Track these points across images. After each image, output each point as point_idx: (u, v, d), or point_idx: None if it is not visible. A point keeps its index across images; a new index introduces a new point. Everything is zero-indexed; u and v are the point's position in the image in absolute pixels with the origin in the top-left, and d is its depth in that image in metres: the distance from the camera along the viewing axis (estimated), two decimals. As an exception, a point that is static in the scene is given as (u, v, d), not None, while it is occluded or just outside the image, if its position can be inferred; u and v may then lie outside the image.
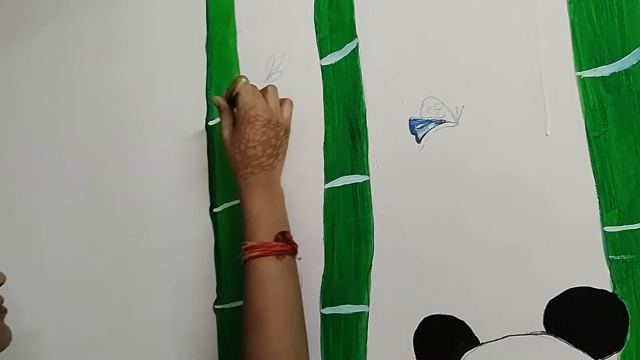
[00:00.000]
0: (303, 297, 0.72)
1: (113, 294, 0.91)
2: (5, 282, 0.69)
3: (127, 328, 0.89)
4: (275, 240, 0.69)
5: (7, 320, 0.70)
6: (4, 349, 0.65)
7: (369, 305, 0.69)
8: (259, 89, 0.75)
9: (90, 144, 0.98)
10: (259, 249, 0.69)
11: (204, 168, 0.86)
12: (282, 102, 0.76)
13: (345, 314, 0.71)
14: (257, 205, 0.71)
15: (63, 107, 1.03)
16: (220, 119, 0.76)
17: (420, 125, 0.68)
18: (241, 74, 0.75)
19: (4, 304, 0.69)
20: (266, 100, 0.73)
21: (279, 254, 0.69)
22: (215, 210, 0.84)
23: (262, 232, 0.70)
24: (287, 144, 0.75)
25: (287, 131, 0.75)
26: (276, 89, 0.75)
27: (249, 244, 0.70)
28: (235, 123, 0.73)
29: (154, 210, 0.89)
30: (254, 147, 0.71)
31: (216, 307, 0.82)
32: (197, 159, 0.87)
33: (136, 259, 0.89)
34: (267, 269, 0.69)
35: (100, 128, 0.98)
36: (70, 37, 1.04)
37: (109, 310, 0.91)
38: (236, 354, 0.78)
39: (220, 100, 0.75)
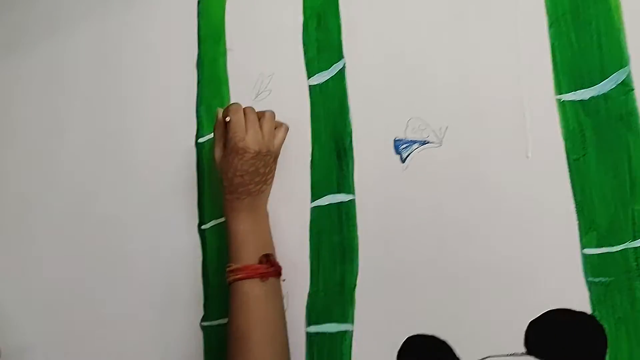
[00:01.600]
0: (288, 316, 0.72)
1: (101, 308, 0.91)
2: None
3: (114, 343, 0.89)
4: (259, 263, 0.70)
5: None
6: None
7: (353, 324, 0.70)
8: (257, 112, 0.74)
9: (82, 159, 0.99)
10: (243, 272, 0.70)
11: (193, 185, 0.86)
12: (277, 126, 0.76)
13: (329, 333, 0.71)
14: (241, 228, 0.72)
15: (58, 122, 1.04)
16: (214, 136, 0.76)
17: (404, 146, 0.69)
18: (234, 102, 0.75)
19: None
20: (260, 126, 0.73)
21: (262, 276, 0.69)
22: (203, 227, 0.84)
23: (246, 255, 0.71)
24: (275, 168, 0.76)
25: (276, 157, 0.75)
26: (273, 115, 0.75)
27: (234, 266, 0.70)
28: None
29: (142, 225, 0.89)
30: (242, 176, 0.72)
31: (203, 324, 0.82)
32: (186, 175, 0.87)
33: (124, 273, 0.89)
34: (251, 291, 0.69)
35: (91, 143, 0.99)
36: (66, 53, 1.05)
37: (96, 325, 0.91)
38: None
39: (220, 115, 0.75)
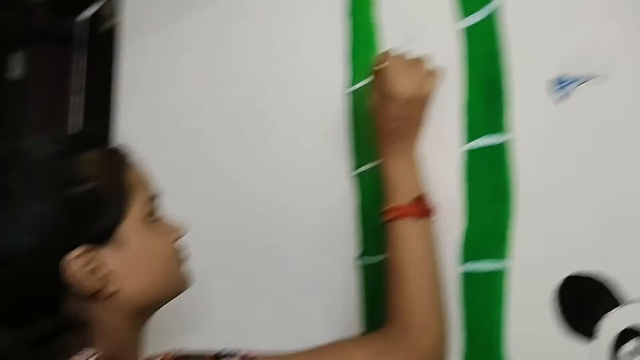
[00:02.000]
0: (442, 256, 0.75)
1: (266, 251, 1.00)
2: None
3: (277, 279, 0.97)
4: (413, 203, 0.73)
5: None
6: (184, 291, 0.75)
7: (508, 263, 0.71)
8: (410, 58, 0.76)
9: (242, 111, 1.07)
10: (397, 212, 0.73)
11: (346, 132, 0.91)
12: (430, 70, 0.77)
13: (484, 271, 0.73)
14: (395, 171, 0.75)
15: (219, 76, 1.13)
16: (369, 83, 0.78)
17: (563, 84, 0.67)
18: (387, 49, 0.77)
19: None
20: (415, 71, 0.74)
21: (416, 216, 0.72)
22: (357, 171, 0.88)
23: (400, 196, 0.74)
24: (427, 112, 0.77)
25: (429, 102, 0.77)
26: (426, 60, 0.76)
27: (388, 207, 0.74)
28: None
29: (300, 170, 0.96)
30: (396, 121, 0.74)
31: (359, 261, 0.87)
32: (339, 123, 0.92)
33: (286, 216, 0.97)
34: (406, 230, 0.72)
35: (245, 98, 1.06)
36: (227, 14, 1.13)
37: (262, 266, 0.99)
38: (378, 305, 0.83)
39: (375, 63, 0.77)
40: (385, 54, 0.75)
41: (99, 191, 0.63)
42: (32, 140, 0.67)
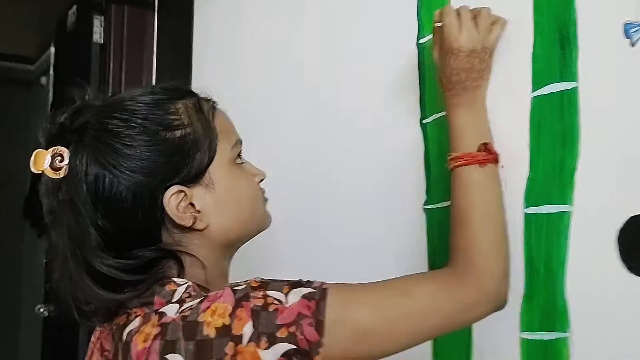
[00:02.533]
0: (507, 199, 0.78)
1: (339, 195, 1.05)
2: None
3: (349, 225, 1.03)
4: (477, 151, 0.76)
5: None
6: (265, 228, 0.81)
7: (572, 206, 0.73)
8: (472, 9, 0.78)
9: (317, 63, 1.12)
10: (462, 159, 0.76)
11: (415, 83, 0.94)
12: (494, 21, 0.79)
13: (548, 213, 0.76)
14: (460, 121, 0.78)
15: (299, 35, 1.18)
16: (433, 37, 0.82)
17: (636, 29, 0.68)
18: (448, 5, 0.79)
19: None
20: (476, 24, 0.76)
21: (481, 163, 0.75)
22: (425, 121, 0.92)
23: (465, 144, 0.77)
24: (491, 63, 0.79)
25: (492, 53, 0.79)
26: (487, 12, 0.78)
27: (454, 154, 0.77)
28: None
29: (370, 121, 1.00)
30: (458, 74, 0.77)
31: (425, 207, 0.91)
32: (408, 75, 0.95)
33: (356, 165, 1.02)
34: (470, 175, 0.76)
35: (319, 48, 1.11)
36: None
37: (336, 209, 1.05)
38: (443, 247, 0.87)
39: (436, 18, 0.80)
40: (444, 10, 0.77)
41: (191, 136, 0.70)
42: (134, 90, 0.74)
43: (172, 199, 0.68)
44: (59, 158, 0.68)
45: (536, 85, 0.78)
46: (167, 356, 0.62)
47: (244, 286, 0.65)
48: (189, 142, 0.70)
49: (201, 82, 1.49)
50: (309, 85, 1.12)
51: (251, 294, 0.63)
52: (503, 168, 0.79)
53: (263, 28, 1.27)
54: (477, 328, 0.83)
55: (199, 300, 0.64)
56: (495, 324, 0.79)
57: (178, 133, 0.70)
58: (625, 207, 0.68)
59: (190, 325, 0.62)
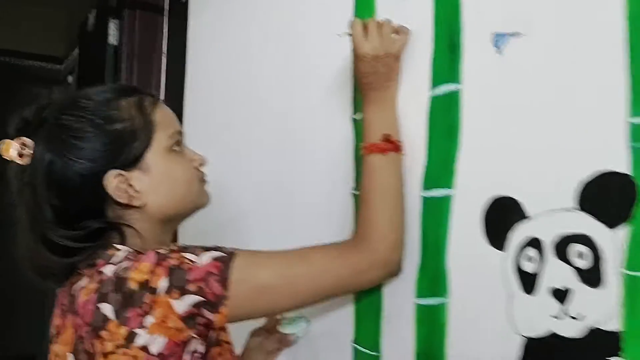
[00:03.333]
0: (409, 184, 0.91)
1: (280, 182, 1.19)
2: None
3: (289, 207, 1.17)
4: (381, 141, 0.89)
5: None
6: (203, 207, 0.96)
7: (454, 189, 0.86)
8: (374, 23, 0.89)
9: (262, 66, 1.26)
10: (368, 149, 0.90)
11: (347, 83, 1.07)
12: (398, 30, 0.91)
13: (437, 197, 0.88)
14: (369, 116, 0.92)
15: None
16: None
17: (502, 39, 0.80)
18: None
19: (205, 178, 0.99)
20: (380, 33, 0.88)
21: (382, 151, 0.88)
22: (354, 117, 1.05)
23: (371, 136, 0.90)
24: (397, 67, 0.91)
25: (397, 58, 0.90)
26: (389, 23, 0.89)
27: (362, 145, 0.91)
28: None
29: (307, 117, 1.14)
30: (366, 77, 0.90)
31: (354, 192, 1.04)
32: (342, 75, 1.08)
33: (295, 154, 1.16)
34: (373, 162, 0.89)
35: (266, 49, 1.25)
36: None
37: (277, 194, 1.20)
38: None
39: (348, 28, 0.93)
40: (352, 22, 0.90)
41: (129, 128, 0.85)
42: (88, 89, 0.90)
43: (112, 181, 0.83)
44: (23, 147, 0.84)
45: (433, 86, 0.90)
46: (99, 305, 0.77)
47: (166, 250, 0.79)
48: (127, 133, 0.85)
49: (194, 82, 1.67)
50: (259, 87, 1.27)
51: (169, 255, 0.78)
52: (405, 156, 0.92)
53: (240, 32, 1.42)
54: (386, 295, 0.96)
55: (129, 261, 0.79)
56: (400, 292, 0.93)
57: (118, 126, 0.85)
58: (489, 190, 0.81)
59: (120, 280, 0.77)
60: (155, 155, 0.86)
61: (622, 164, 0.65)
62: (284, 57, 1.23)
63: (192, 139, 1.62)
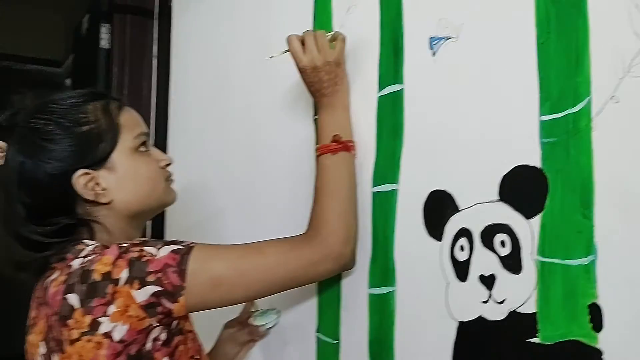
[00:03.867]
0: (361, 180, 0.96)
1: (251, 185, 1.25)
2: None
3: (257, 205, 1.22)
4: (330, 143, 0.94)
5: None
6: (169, 204, 1.02)
7: (398, 184, 0.91)
8: (308, 36, 0.93)
9: (239, 69, 1.32)
10: (319, 150, 0.96)
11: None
12: (334, 38, 0.95)
13: (384, 191, 0.93)
14: (321, 120, 0.98)
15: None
16: None
17: (436, 42, 0.85)
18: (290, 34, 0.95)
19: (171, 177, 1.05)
20: (313, 47, 0.92)
21: (332, 151, 0.94)
22: (315, 117, 1.10)
23: (323, 138, 0.97)
24: (341, 72, 0.96)
25: (338, 64, 0.95)
26: (322, 33, 0.94)
27: (316, 147, 0.97)
28: None
29: (271, 120, 1.19)
30: (313, 86, 0.96)
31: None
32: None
33: (264, 153, 1.21)
34: (323, 162, 0.95)
35: (244, 53, 1.31)
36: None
37: (249, 191, 1.26)
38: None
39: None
40: (289, 38, 0.94)
41: (95, 130, 0.91)
42: (59, 94, 0.96)
43: (80, 179, 0.89)
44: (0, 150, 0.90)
45: (380, 87, 0.95)
46: (66, 295, 0.83)
47: (128, 244, 0.85)
48: (94, 134, 0.91)
49: (176, 84, 1.72)
50: (230, 89, 1.33)
51: (131, 248, 0.84)
52: (357, 155, 0.97)
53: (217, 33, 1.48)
54: (344, 287, 1.01)
55: (94, 254, 0.85)
56: (355, 283, 0.98)
57: (85, 128, 0.91)
58: (428, 185, 0.86)
59: (85, 272, 0.83)
60: (121, 155, 0.92)
61: (535, 159, 0.70)
62: (250, 61, 1.29)
63: (175, 141, 1.69)
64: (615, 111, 0.63)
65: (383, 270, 0.93)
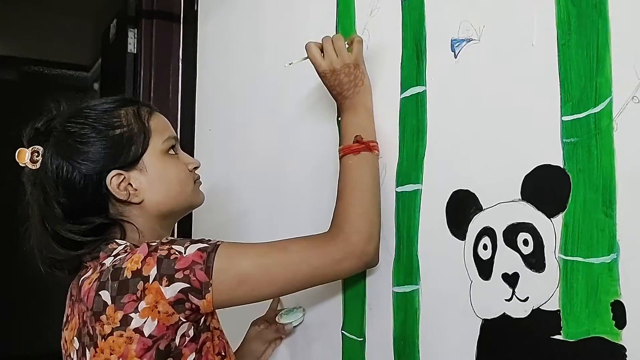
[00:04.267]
0: (385, 180, 0.98)
1: (276, 185, 1.28)
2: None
3: (282, 205, 1.25)
4: (353, 143, 0.96)
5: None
6: (197, 205, 1.05)
7: (422, 184, 0.92)
8: (325, 40, 0.96)
9: (270, 73, 1.34)
10: (342, 151, 0.98)
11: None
12: (351, 41, 0.97)
13: (408, 191, 0.95)
14: (344, 122, 1.00)
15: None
16: None
17: (458, 44, 0.86)
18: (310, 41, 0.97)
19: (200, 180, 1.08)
20: (330, 51, 0.95)
21: (354, 152, 0.96)
22: (339, 118, 1.12)
23: (346, 139, 0.99)
24: (360, 73, 0.98)
25: (357, 65, 0.97)
26: (338, 36, 0.97)
27: (339, 148, 0.99)
28: None
29: (298, 120, 1.21)
30: (334, 89, 0.98)
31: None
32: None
33: (292, 155, 1.24)
34: (346, 162, 0.97)
35: (274, 57, 1.33)
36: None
37: (275, 190, 1.28)
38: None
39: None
40: (307, 45, 0.97)
41: (129, 133, 0.94)
42: (92, 100, 0.99)
43: (113, 180, 0.93)
44: (36, 154, 0.94)
45: (403, 89, 0.97)
46: (99, 292, 0.86)
47: (156, 243, 0.88)
48: (126, 137, 0.94)
49: (203, 86, 1.76)
50: (255, 91, 1.35)
51: (159, 247, 0.87)
52: (381, 155, 0.99)
53: (244, 36, 1.51)
54: (369, 285, 1.03)
55: (125, 253, 0.89)
56: (380, 282, 1.00)
57: (118, 131, 0.94)
58: (451, 184, 0.87)
59: (116, 270, 0.86)
60: (151, 157, 0.96)
61: (557, 159, 0.71)
62: (275, 64, 1.31)
63: (201, 143, 1.73)
64: (637, 111, 0.63)
65: (407, 268, 0.94)
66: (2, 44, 3.16)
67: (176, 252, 0.86)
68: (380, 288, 1.00)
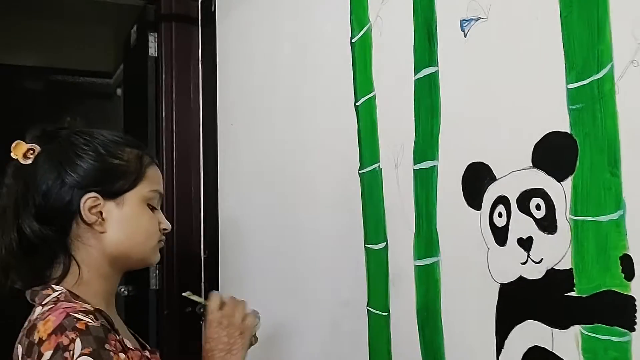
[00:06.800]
0: (403, 160, 1.03)
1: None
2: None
3: (299, 188, 1.30)
4: None
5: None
6: (151, 264, 1.04)
7: (438, 160, 0.97)
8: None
9: (287, 67, 1.39)
10: None
11: (348, 73, 1.19)
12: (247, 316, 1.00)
13: (425, 168, 0.99)
14: None
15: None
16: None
17: (467, 23, 0.91)
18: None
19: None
20: (234, 308, 0.99)
21: None
22: (357, 103, 1.17)
23: None
24: (243, 344, 0.98)
25: (241, 333, 0.98)
26: (244, 303, 1.01)
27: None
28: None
29: (316, 105, 1.26)
30: (208, 342, 0.98)
31: (360, 171, 1.16)
32: (344, 66, 1.20)
33: (308, 143, 1.28)
34: None
35: (288, 50, 1.38)
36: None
37: (291, 171, 1.33)
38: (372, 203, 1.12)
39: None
40: (213, 294, 1.01)
41: (125, 168, 0.96)
42: (107, 130, 1.02)
43: (88, 201, 0.94)
44: (32, 151, 0.95)
45: (416, 70, 1.01)
46: (17, 344, 0.88)
47: (74, 319, 0.84)
48: (120, 171, 0.96)
49: (223, 87, 1.82)
50: (281, 89, 1.41)
51: (68, 330, 0.83)
52: (398, 136, 1.04)
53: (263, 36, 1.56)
54: (391, 262, 1.08)
55: (49, 307, 0.88)
56: (401, 257, 1.05)
57: (115, 162, 0.96)
58: (466, 158, 0.91)
59: (32, 328, 0.86)
60: (132, 198, 0.97)
61: (564, 125, 0.75)
62: (292, 64, 1.37)
63: (224, 137, 1.78)
64: (637, 74, 0.67)
65: (427, 242, 0.99)
66: (29, 56, 3.25)
67: (70, 352, 0.81)
68: (402, 263, 1.04)
